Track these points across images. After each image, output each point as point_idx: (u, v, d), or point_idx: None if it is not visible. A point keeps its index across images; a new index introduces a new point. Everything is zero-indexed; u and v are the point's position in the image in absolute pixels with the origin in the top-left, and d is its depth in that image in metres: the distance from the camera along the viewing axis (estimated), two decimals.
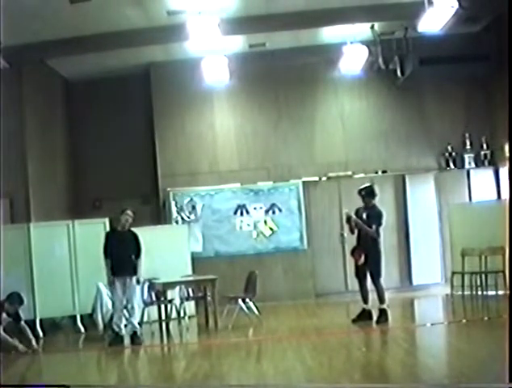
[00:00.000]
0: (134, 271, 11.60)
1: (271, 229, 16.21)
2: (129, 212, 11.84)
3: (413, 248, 16.11)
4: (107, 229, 12.94)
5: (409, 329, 11.87)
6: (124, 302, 11.62)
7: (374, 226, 11.91)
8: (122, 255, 11.59)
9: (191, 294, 13.51)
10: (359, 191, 12.26)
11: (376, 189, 12.33)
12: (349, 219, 12.09)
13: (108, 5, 12.40)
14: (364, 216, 12.03)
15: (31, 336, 11.42)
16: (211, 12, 12.14)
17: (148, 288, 13.00)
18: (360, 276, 12.10)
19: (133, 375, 9.85)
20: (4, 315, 11.36)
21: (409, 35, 14.93)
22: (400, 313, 13.73)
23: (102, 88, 16.67)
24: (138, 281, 11.70)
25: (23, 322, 11.51)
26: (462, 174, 16.22)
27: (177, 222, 16.08)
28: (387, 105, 16.43)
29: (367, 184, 12.51)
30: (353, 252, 12.19)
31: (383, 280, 12.05)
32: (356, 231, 12.09)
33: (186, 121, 16.54)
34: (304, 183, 16.28)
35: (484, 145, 16.04)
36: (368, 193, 12.19)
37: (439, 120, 16.32)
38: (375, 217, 12.00)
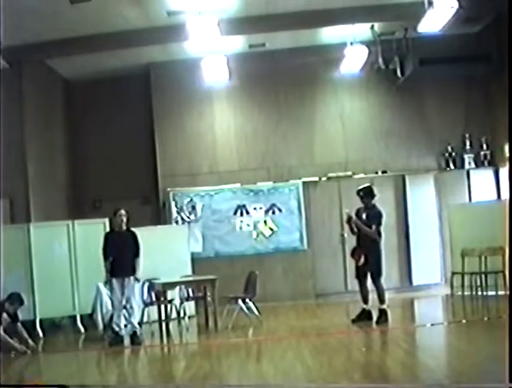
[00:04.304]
0: (133, 270, 11.59)
1: (271, 229, 16.20)
2: (122, 211, 11.81)
3: (413, 248, 16.10)
4: (107, 229, 12.92)
5: (408, 329, 11.86)
6: (123, 302, 11.61)
7: (373, 227, 11.92)
8: (120, 255, 11.58)
9: (191, 294, 13.51)
10: (358, 192, 12.24)
11: (374, 189, 12.32)
12: (349, 219, 12.08)
13: (108, 5, 12.42)
14: (364, 216, 12.04)
15: (26, 337, 11.40)
16: (211, 12, 12.15)
17: (148, 288, 13.01)
18: (360, 276, 12.09)
19: (133, 375, 9.83)
20: (4, 315, 11.35)
21: (409, 36, 14.95)
22: (400, 313, 13.72)
23: (102, 88, 16.67)
24: (137, 280, 11.69)
25: (19, 324, 11.48)
26: (462, 174, 16.21)
27: (177, 222, 16.08)
28: (387, 105, 16.42)
29: (366, 185, 12.48)
30: (353, 253, 12.17)
31: (383, 281, 12.06)
32: (356, 232, 12.09)
33: (186, 121, 16.53)
34: (304, 183, 16.27)
35: (484, 146, 16.03)
36: (366, 193, 12.17)
37: (439, 121, 16.31)
38: (374, 217, 11.99)
